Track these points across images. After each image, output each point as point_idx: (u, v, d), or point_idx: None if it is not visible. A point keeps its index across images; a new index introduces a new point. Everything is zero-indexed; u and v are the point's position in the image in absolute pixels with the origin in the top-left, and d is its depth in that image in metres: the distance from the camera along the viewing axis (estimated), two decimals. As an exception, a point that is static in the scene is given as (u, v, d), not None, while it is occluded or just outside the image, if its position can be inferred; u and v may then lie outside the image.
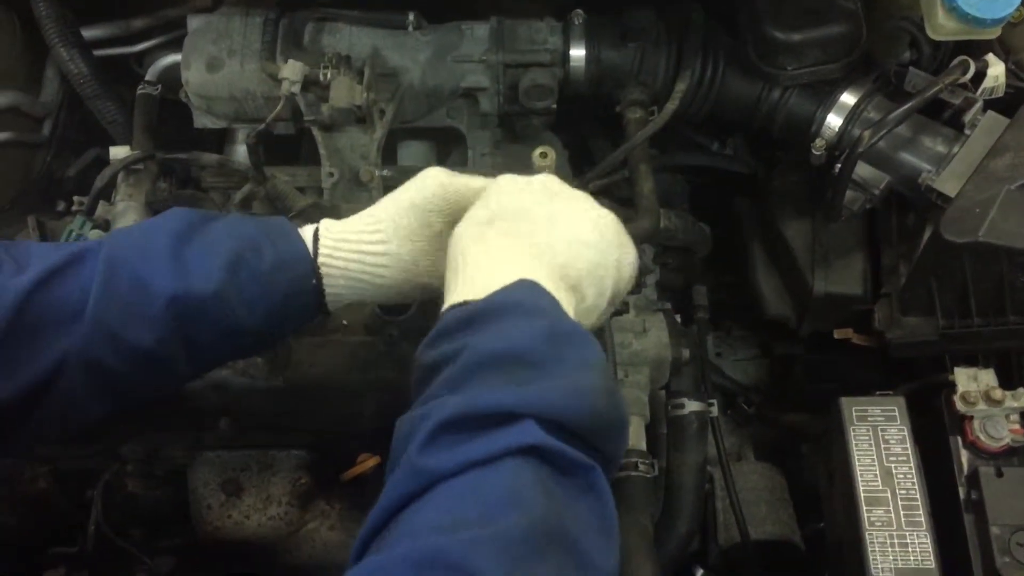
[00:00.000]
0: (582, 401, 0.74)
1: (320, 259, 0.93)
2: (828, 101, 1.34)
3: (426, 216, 0.94)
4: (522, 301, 0.79)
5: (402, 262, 0.94)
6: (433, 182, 0.95)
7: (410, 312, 1.18)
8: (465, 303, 0.80)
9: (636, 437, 1.29)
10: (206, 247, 0.90)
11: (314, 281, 0.93)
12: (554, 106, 1.40)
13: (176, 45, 1.47)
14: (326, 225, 0.96)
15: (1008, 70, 1.26)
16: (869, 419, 1.22)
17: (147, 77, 1.51)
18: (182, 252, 0.89)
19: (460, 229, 0.88)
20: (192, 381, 1.09)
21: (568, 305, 0.83)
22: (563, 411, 0.72)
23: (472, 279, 0.82)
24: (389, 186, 1.37)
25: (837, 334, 1.45)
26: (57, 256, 0.89)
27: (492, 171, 1.01)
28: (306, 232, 0.95)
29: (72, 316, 0.87)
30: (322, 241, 0.94)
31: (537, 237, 0.85)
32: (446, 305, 0.83)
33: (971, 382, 1.23)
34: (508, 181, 0.92)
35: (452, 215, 0.94)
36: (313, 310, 0.96)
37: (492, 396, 0.72)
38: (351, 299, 0.97)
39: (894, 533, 1.14)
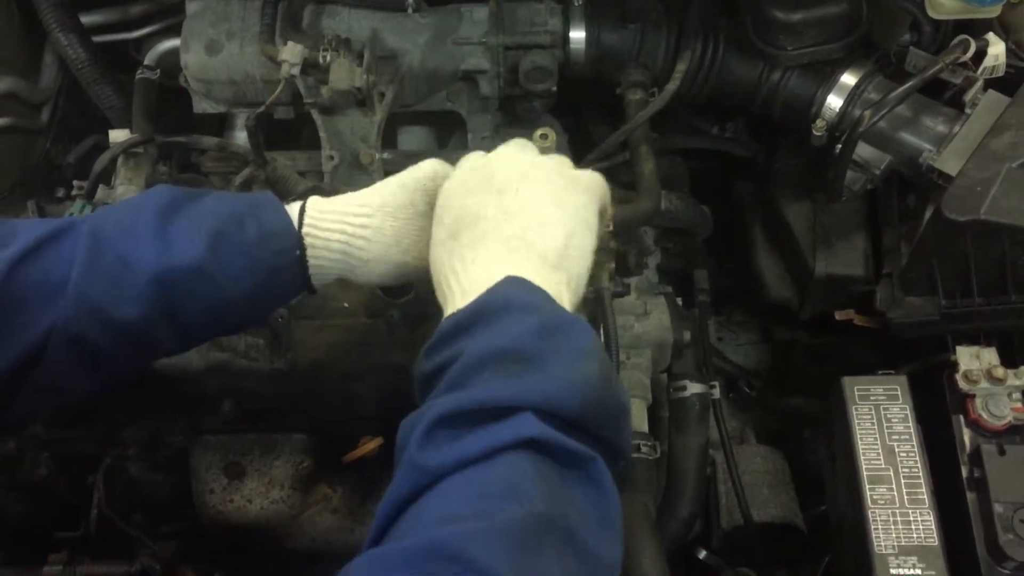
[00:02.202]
0: (578, 390, 0.73)
1: (305, 230, 0.93)
2: (828, 82, 1.34)
3: (411, 195, 0.95)
4: (510, 298, 0.79)
5: (384, 238, 0.94)
6: (426, 166, 0.96)
7: (410, 295, 1.18)
8: (454, 312, 0.81)
9: (638, 419, 1.29)
10: (190, 222, 0.90)
11: (298, 252, 0.93)
12: (554, 88, 1.40)
13: (175, 31, 1.46)
14: (313, 201, 0.96)
15: (1008, 49, 1.26)
16: (871, 398, 1.22)
17: (146, 62, 1.51)
18: (166, 228, 0.90)
19: (432, 255, 0.89)
20: (177, 355, 1.09)
21: (559, 284, 0.84)
22: (559, 402, 0.72)
23: (463, 292, 0.83)
24: (390, 169, 1.37)
25: (838, 315, 1.45)
26: (40, 231, 0.89)
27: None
28: (293, 208, 0.95)
29: (55, 291, 0.87)
30: (308, 213, 0.94)
31: (504, 231, 0.85)
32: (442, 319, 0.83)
33: (973, 361, 1.22)
34: (453, 188, 0.91)
35: (435, 197, 0.94)
36: (298, 285, 0.96)
37: (488, 390, 0.73)
38: (335, 274, 0.97)
39: (897, 511, 1.14)
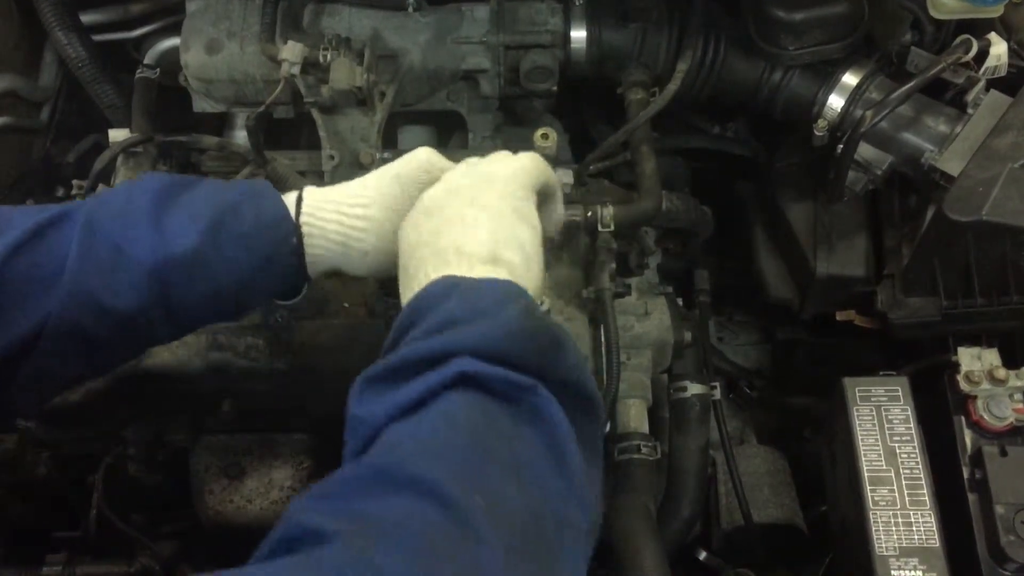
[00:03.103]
0: (503, 327, 0.75)
1: (302, 219, 0.93)
2: (830, 82, 1.34)
3: (407, 187, 0.95)
4: (432, 291, 0.81)
5: (382, 229, 0.94)
6: (420, 156, 0.96)
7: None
8: (410, 304, 0.82)
9: (639, 420, 1.29)
10: (185, 210, 0.90)
11: (295, 241, 0.93)
12: (555, 88, 1.40)
13: (174, 30, 1.46)
14: (309, 190, 0.96)
15: (1010, 49, 1.26)
16: (872, 399, 1.21)
17: (145, 61, 1.51)
18: (161, 216, 0.89)
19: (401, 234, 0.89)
20: (177, 356, 1.11)
21: (503, 276, 0.84)
22: (489, 341, 0.74)
23: (416, 284, 0.84)
24: (390, 169, 1.37)
25: (840, 316, 1.45)
26: (35, 220, 0.88)
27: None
28: (290, 197, 0.95)
29: (50, 281, 0.87)
30: (306, 201, 0.94)
31: (437, 247, 0.85)
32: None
33: (975, 362, 1.22)
34: (404, 229, 0.91)
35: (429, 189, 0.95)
36: (294, 274, 0.96)
37: (418, 347, 0.75)
38: (331, 264, 0.96)
39: (898, 513, 1.14)
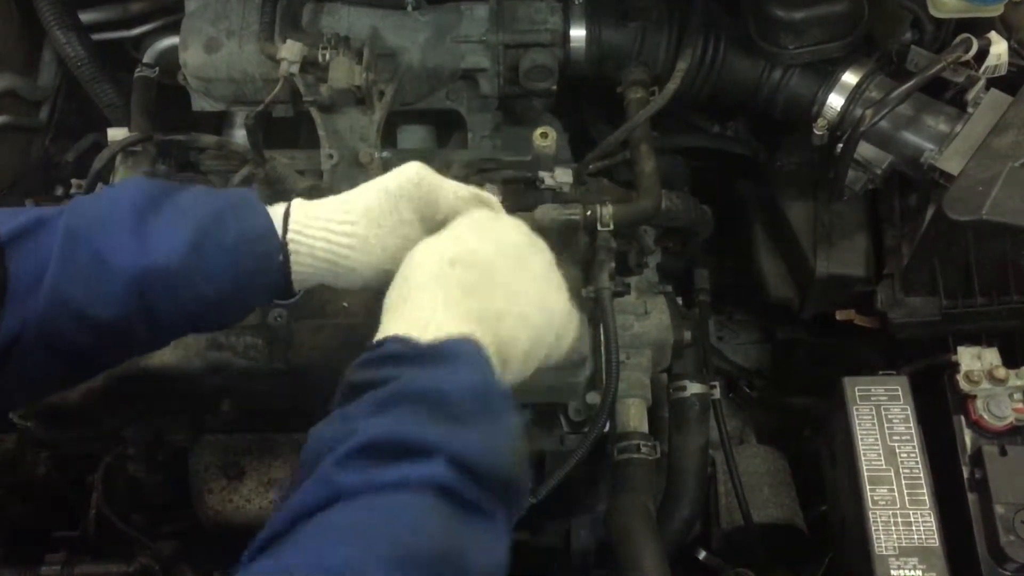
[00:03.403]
0: (496, 455, 0.76)
1: (289, 235, 0.92)
2: (830, 81, 1.33)
3: (396, 202, 0.93)
4: (462, 355, 0.80)
5: (368, 245, 0.93)
6: (409, 171, 0.95)
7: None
8: (408, 338, 0.80)
9: (638, 419, 1.28)
10: (169, 220, 0.89)
11: (280, 258, 0.92)
12: (555, 87, 1.40)
13: (173, 29, 1.46)
14: (297, 203, 0.95)
15: (1010, 48, 1.26)
16: (872, 399, 1.21)
17: (144, 60, 1.50)
18: (144, 225, 0.88)
19: (420, 256, 0.88)
20: (150, 351, 1.09)
21: (506, 366, 0.85)
22: (476, 458, 0.74)
23: (418, 319, 0.82)
24: (389, 168, 1.37)
25: (839, 315, 1.45)
26: (12, 225, 0.87)
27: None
28: (276, 210, 0.94)
29: (28, 288, 0.86)
30: (293, 216, 0.92)
31: (493, 304, 0.85)
32: (386, 332, 0.82)
33: (974, 361, 1.22)
34: (484, 222, 0.92)
35: (421, 207, 0.94)
36: (279, 289, 0.95)
37: (416, 428, 0.74)
38: (317, 280, 0.96)
39: (898, 512, 1.14)
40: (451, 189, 0.96)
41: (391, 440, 0.73)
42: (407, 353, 0.79)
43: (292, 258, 0.92)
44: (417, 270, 0.86)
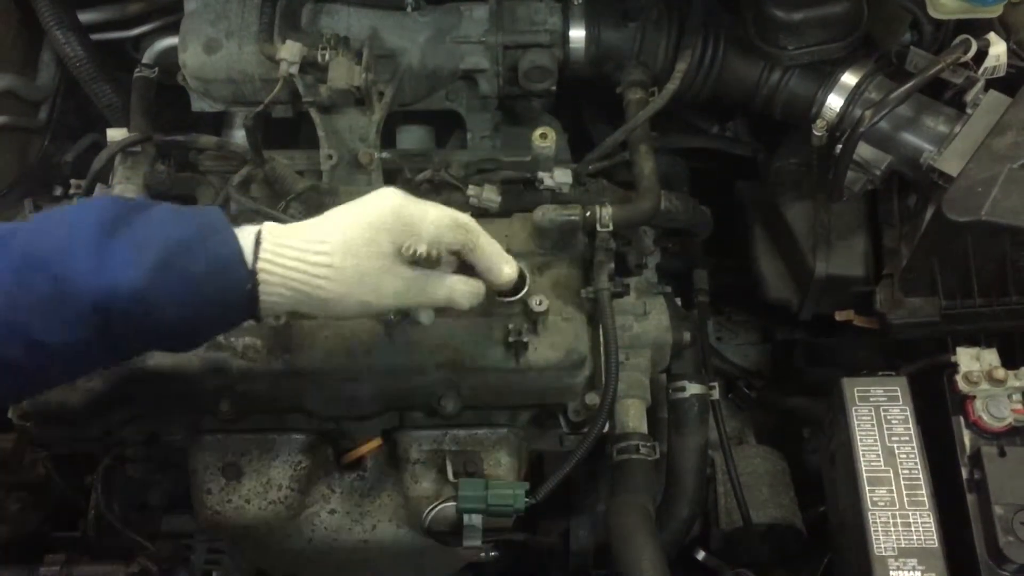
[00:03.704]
0: None
1: (260, 263, 0.90)
2: (829, 81, 1.33)
3: (375, 234, 0.93)
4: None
5: (345, 276, 0.92)
6: (389, 201, 0.94)
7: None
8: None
9: (637, 420, 1.29)
10: (133, 245, 0.87)
11: (249, 287, 0.90)
12: (554, 88, 1.40)
13: (173, 29, 1.46)
14: (269, 229, 0.92)
15: (1009, 49, 1.26)
16: (871, 399, 1.21)
17: (144, 60, 1.50)
18: (107, 248, 0.86)
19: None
20: (173, 356, 1.09)
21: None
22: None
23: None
24: (388, 169, 1.38)
25: (838, 316, 1.44)
26: None
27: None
28: (246, 233, 0.91)
29: None
30: (264, 245, 0.90)
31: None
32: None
33: (973, 362, 1.22)
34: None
35: (402, 239, 0.94)
36: (244, 317, 0.93)
37: None
38: (286, 309, 0.94)
39: (897, 513, 1.14)
40: (432, 219, 0.95)
41: None
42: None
43: (261, 287, 0.90)
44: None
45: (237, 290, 0.90)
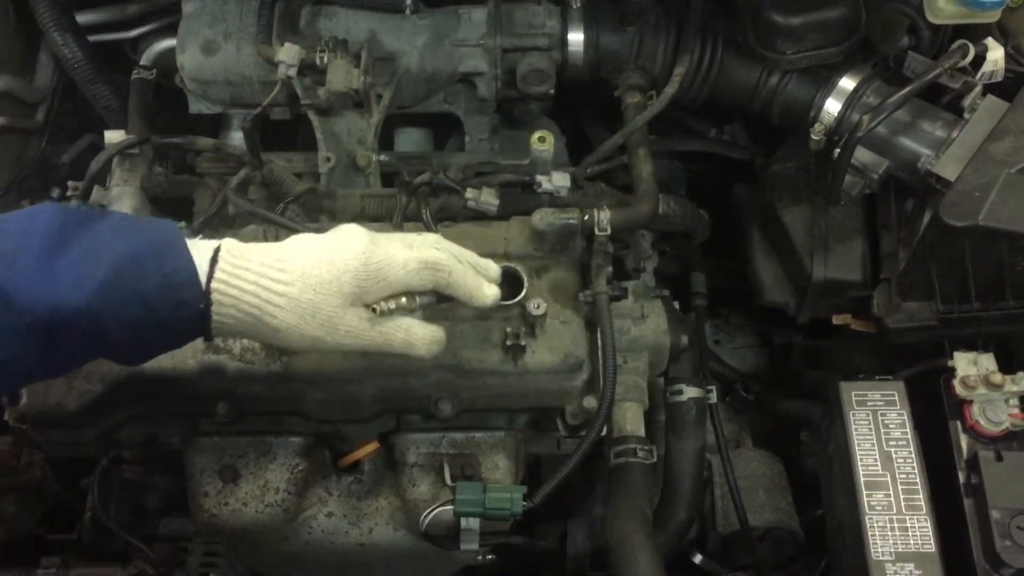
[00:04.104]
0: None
1: (214, 283, 0.87)
2: (827, 86, 1.34)
3: (339, 275, 0.91)
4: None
5: (300, 309, 0.90)
6: (356, 246, 0.93)
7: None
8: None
9: (635, 423, 1.28)
10: (83, 257, 0.84)
11: (202, 307, 0.87)
12: (552, 91, 1.40)
13: (171, 31, 1.46)
14: (227, 246, 0.90)
15: (1007, 54, 1.26)
16: (869, 403, 1.22)
17: (142, 62, 1.50)
18: (54, 262, 0.83)
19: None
20: (170, 358, 1.07)
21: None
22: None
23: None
24: (386, 171, 1.38)
25: (836, 320, 1.45)
26: None
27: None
28: (201, 250, 0.88)
29: None
30: (220, 264, 0.88)
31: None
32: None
33: (970, 366, 1.22)
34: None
35: (367, 285, 0.92)
36: (194, 336, 0.91)
37: None
38: (237, 333, 0.92)
39: (894, 517, 1.14)
40: (400, 264, 0.94)
41: None
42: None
43: (214, 308, 0.88)
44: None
45: (189, 309, 0.87)
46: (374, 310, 0.94)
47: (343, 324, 0.92)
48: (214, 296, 0.87)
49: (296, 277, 0.90)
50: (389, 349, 0.98)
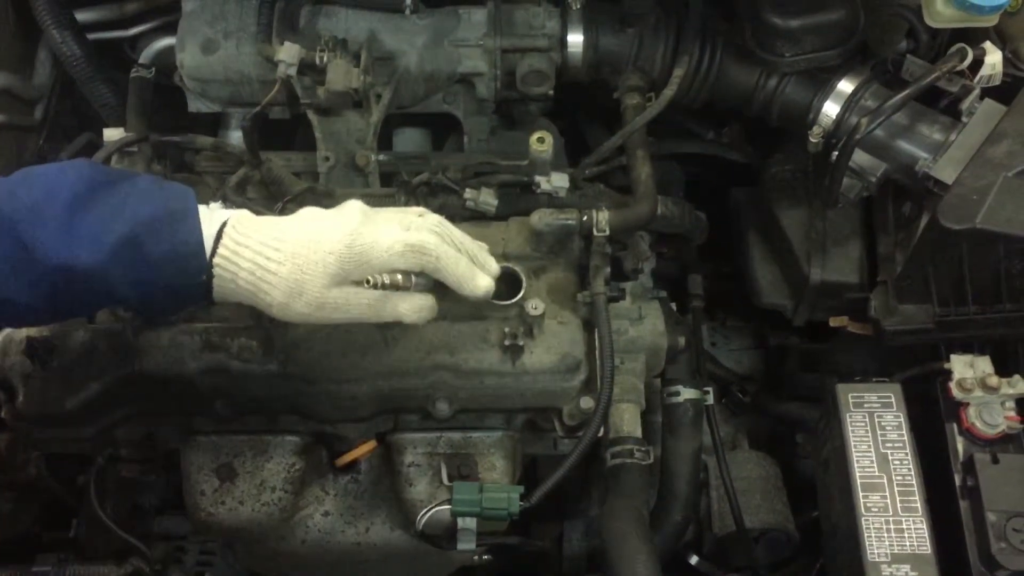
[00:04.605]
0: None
1: (217, 258, 0.93)
2: (825, 89, 1.34)
3: (324, 256, 0.95)
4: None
5: (288, 288, 0.95)
6: (346, 226, 0.97)
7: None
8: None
9: (632, 424, 1.29)
10: (102, 218, 0.89)
11: (204, 278, 0.94)
12: (551, 92, 1.40)
13: (170, 29, 1.46)
14: (234, 221, 0.95)
15: (1005, 58, 1.26)
16: (865, 406, 1.22)
17: (141, 60, 1.50)
18: (75, 219, 0.89)
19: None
20: (170, 357, 1.13)
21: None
22: None
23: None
24: (385, 171, 1.38)
25: (833, 322, 1.45)
26: None
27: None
28: (212, 222, 0.94)
29: None
30: (224, 240, 0.94)
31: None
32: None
33: (967, 369, 1.23)
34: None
35: (349, 267, 0.96)
36: (198, 301, 0.97)
37: None
38: (238, 300, 0.97)
39: (890, 519, 1.14)
40: (384, 247, 0.97)
41: None
42: None
43: (215, 280, 0.94)
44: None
45: (193, 278, 0.93)
46: (368, 282, 0.98)
47: (329, 302, 0.97)
48: (215, 269, 0.94)
49: (287, 257, 0.95)
50: (379, 319, 1.03)
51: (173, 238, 0.91)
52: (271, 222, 0.97)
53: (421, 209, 1.07)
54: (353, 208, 1.00)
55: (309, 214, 1.00)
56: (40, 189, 0.91)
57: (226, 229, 0.94)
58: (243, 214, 0.97)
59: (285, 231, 0.96)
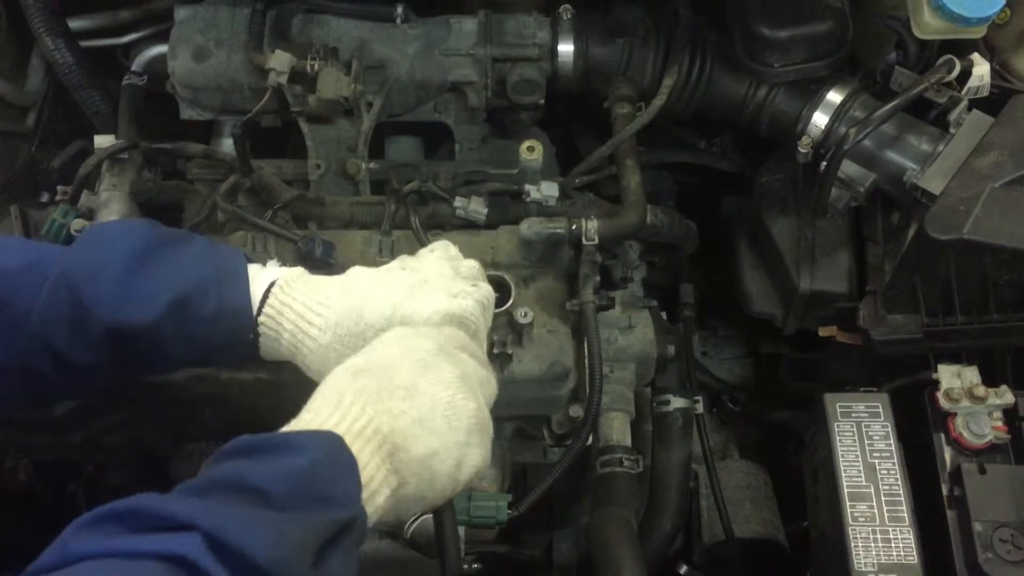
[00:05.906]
0: (260, 535, 0.68)
1: (262, 317, 0.95)
2: (814, 99, 1.34)
3: (364, 329, 0.95)
4: (305, 443, 0.76)
5: (326, 356, 0.95)
6: (386, 301, 0.95)
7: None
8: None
9: (621, 433, 1.29)
10: (156, 279, 0.91)
11: (252, 336, 0.96)
12: (542, 101, 1.41)
13: (163, 37, 1.46)
14: (283, 281, 0.96)
15: (993, 69, 1.27)
16: (853, 415, 1.22)
17: (133, 68, 1.50)
18: (131, 280, 0.91)
19: (332, 372, 0.86)
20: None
21: (385, 486, 0.81)
22: (234, 536, 0.67)
23: (309, 421, 0.81)
24: (376, 180, 1.38)
25: (822, 332, 1.45)
26: (21, 261, 0.91)
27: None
28: (260, 281, 0.96)
29: (17, 323, 0.89)
30: (271, 300, 0.95)
31: (387, 404, 0.82)
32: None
33: (955, 379, 1.23)
34: (399, 334, 0.91)
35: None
36: (246, 356, 0.99)
37: (163, 502, 0.69)
38: (282, 359, 0.99)
39: (877, 529, 1.14)
40: (423, 319, 0.95)
41: (140, 511, 0.68)
42: (252, 444, 0.76)
43: (261, 339, 0.96)
44: (325, 383, 0.85)
45: (241, 335, 0.95)
46: None
47: None
48: (261, 328, 0.95)
49: (330, 325, 0.95)
50: None
51: (221, 297, 0.93)
52: (318, 285, 0.97)
53: (479, 271, 1.05)
54: (396, 276, 0.99)
55: (357, 279, 0.99)
56: (100, 249, 0.93)
57: (273, 289, 0.95)
58: (293, 273, 0.98)
59: (330, 296, 0.96)
